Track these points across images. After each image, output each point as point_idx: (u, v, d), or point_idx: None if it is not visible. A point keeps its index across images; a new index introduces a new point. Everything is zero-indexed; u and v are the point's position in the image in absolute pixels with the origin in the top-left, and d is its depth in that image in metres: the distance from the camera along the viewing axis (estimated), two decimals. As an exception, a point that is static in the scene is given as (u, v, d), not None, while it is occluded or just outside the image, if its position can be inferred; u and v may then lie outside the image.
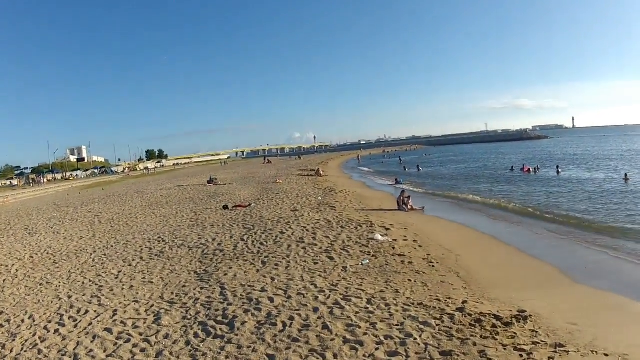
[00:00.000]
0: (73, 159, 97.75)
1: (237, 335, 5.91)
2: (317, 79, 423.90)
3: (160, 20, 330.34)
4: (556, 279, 8.51)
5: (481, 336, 5.35)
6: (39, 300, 8.40)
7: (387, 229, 12.46)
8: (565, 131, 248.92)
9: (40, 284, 9.54)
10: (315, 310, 6.48)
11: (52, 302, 8.22)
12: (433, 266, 8.88)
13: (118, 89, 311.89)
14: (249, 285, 7.94)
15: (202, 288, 8.13)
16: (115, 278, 9.45)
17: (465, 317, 5.95)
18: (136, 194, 29.68)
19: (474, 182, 29.81)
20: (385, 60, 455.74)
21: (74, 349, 5.97)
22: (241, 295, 7.47)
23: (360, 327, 5.75)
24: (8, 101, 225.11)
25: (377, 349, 5.16)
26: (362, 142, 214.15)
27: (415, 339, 5.33)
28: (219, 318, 6.57)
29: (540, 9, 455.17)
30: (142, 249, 11.99)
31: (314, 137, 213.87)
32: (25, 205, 29.94)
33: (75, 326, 6.82)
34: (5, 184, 58.74)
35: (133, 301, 7.80)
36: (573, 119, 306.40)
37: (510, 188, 24.80)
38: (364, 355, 5.02)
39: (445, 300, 6.71)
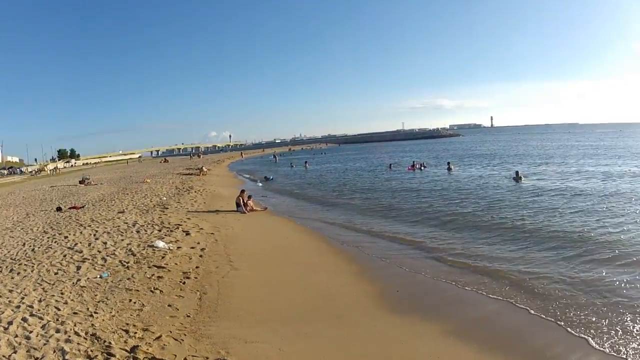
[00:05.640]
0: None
1: None
2: (233, 77, 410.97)
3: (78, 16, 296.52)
4: (350, 310, 6.73)
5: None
6: None
7: (188, 234, 11.77)
8: (482, 130, 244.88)
9: None
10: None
11: None
12: (184, 283, 7.74)
13: (36, 87, 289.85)
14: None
15: None
16: None
17: (128, 362, 4.96)
18: (6, 195, 29.56)
19: (352, 181, 28.06)
20: (305, 58, 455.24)
21: None
22: None
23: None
24: None
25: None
26: (277, 141, 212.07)
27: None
28: None
29: (463, 9, 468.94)
30: None
31: (230, 136, 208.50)
32: None
33: None
34: None
35: None
36: (492, 118, 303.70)
37: (385, 184, 24.25)
38: None
39: (135, 333, 5.59)
